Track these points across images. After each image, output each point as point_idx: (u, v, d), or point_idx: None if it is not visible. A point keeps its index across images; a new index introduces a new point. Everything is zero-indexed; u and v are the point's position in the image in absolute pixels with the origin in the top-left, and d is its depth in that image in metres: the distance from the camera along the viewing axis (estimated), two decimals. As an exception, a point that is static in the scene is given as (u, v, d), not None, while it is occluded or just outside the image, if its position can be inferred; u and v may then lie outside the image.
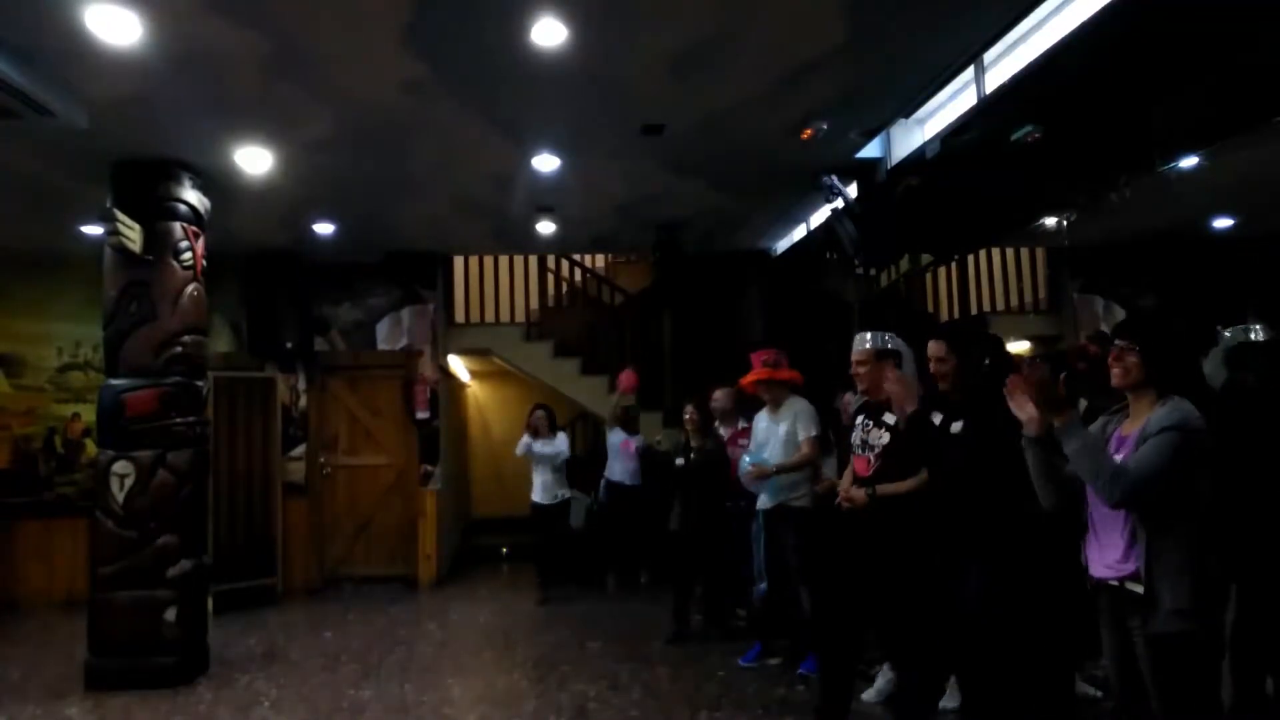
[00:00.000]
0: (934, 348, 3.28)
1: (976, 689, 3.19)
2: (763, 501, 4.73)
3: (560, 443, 6.97)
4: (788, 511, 4.58)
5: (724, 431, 5.56)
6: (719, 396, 5.54)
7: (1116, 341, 2.46)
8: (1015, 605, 2.92)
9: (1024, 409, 2.47)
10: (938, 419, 3.24)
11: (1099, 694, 3.93)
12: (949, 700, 3.77)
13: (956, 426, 3.14)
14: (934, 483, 3.29)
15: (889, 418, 3.51)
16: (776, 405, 4.75)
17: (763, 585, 4.94)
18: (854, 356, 3.66)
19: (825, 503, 4.27)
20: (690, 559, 5.48)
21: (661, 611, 5.69)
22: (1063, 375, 2.46)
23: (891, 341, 3.68)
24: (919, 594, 3.34)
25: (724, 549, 5.34)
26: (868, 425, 3.60)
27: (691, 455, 5.41)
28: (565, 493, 7.09)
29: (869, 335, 3.69)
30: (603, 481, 7.30)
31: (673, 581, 5.64)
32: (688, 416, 5.56)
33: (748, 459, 4.67)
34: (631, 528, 7.04)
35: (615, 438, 7.13)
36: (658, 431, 7.40)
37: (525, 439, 6.86)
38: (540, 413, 6.97)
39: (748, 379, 4.84)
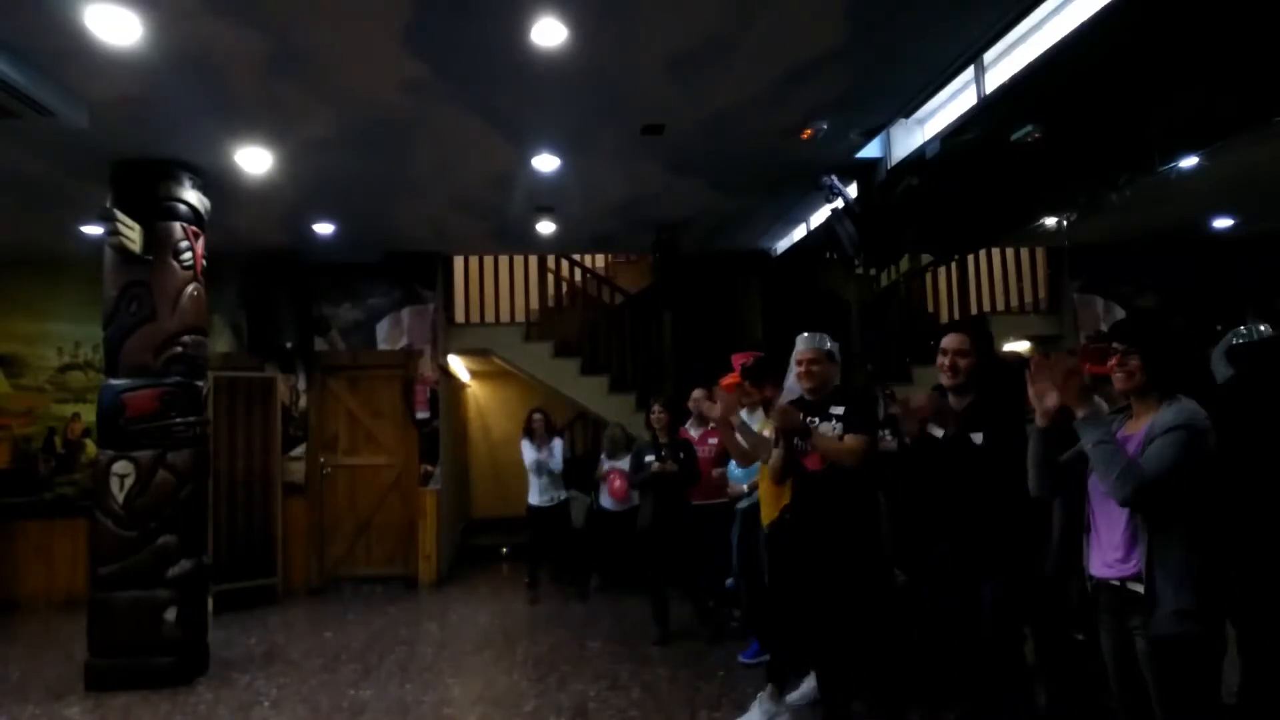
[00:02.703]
0: (955, 340, 3.07)
1: (975, 685, 3.18)
2: (741, 502, 4.86)
3: (555, 452, 6.98)
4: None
5: (695, 431, 5.64)
6: (697, 395, 5.61)
7: (1116, 345, 2.45)
8: (1024, 613, 2.92)
9: (1045, 397, 2.44)
10: (938, 433, 3.12)
11: None
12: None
13: (976, 437, 2.99)
14: (951, 495, 3.19)
15: (837, 410, 3.51)
16: (754, 409, 4.76)
17: (729, 581, 4.97)
18: (807, 355, 3.65)
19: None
20: (659, 560, 5.50)
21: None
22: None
23: (832, 344, 3.70)
24: (873, 589, 3.37)
25: (715, 549, 5.35)
26: (813, 421, 3.58)
27: (662, 454, 5.43)
28: (562, 494, 7.12)
29: (819, 335, 3.69)
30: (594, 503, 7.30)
31: (646, 585, 5.66)
32: (655, 415, 5.61)
33: (739, 473, 4.73)
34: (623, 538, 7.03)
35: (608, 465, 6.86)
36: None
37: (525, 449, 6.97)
38: (537, 416, 7.05)
39: (729, 380, 4.83)
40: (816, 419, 3.53)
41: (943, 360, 3.08)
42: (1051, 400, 2.43)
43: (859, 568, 3.40)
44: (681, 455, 5.38)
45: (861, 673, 3.78)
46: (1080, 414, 2.35)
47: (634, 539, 5.69)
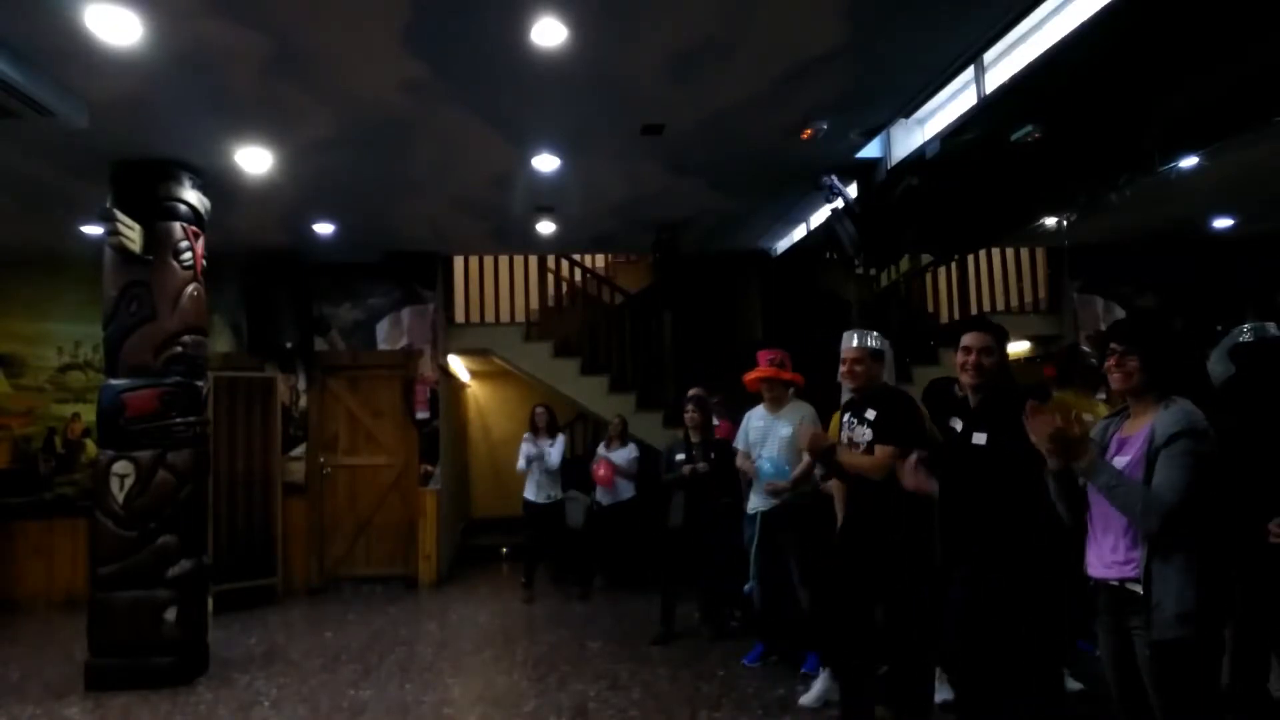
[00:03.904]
0: (980, 338, 2.93)
1: (972, 685, 3.18)
2: (759, 503, 4.71)
3: (553, 448, 7.02)
4: (791, 508, 4.57)
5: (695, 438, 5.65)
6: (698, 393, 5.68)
7: (1114, 345, 2.44)
8: (1027, 607, 2.90)
9: (1040, 441, 2.39)
10: (958, 425, 3.07)
11: (1080, 686, 3.97)
12: (940, 694, 3.79)
13: (979, 438, 2.92)
14: (949, 492, 3.19)
15: (870, 414, 3.50)
16: (777, 405, 4.76)
17: (748, 586, 4.92)
18: (850, 354, 3.63)
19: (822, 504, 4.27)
20: (683, 558, 5.49)
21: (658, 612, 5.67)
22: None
23: (879, 341, 3.67)
24: (909, 592, 3.36)
25: (716, 549, 5.35)
26: (852, 423, 3.56)
27: (694, 453, 5.42)
28: (558, 493, 7.15)
29: (863, 333, 3.68)
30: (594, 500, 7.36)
31: (661, 583, 5.64)
32: (688, 414, 5.59)
33: (769, 466, 4.61)
34: (624, 537, 7.05)
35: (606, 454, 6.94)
36: (660, 436, 7.37)
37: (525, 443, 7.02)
38: (540, 410, 7.13)
39: (752, 375, 4.84)
40: (855, 420, 3.54)
41: (965, 359, 2.96)
42: (1046, 447, 2.38)
43: (889, 572, 3.40)
44: (713, 455, 5.35)
45: (877, 674, 3.78)
46: (1081, 464, 2.33)
47: (663, 537, 5.66)
